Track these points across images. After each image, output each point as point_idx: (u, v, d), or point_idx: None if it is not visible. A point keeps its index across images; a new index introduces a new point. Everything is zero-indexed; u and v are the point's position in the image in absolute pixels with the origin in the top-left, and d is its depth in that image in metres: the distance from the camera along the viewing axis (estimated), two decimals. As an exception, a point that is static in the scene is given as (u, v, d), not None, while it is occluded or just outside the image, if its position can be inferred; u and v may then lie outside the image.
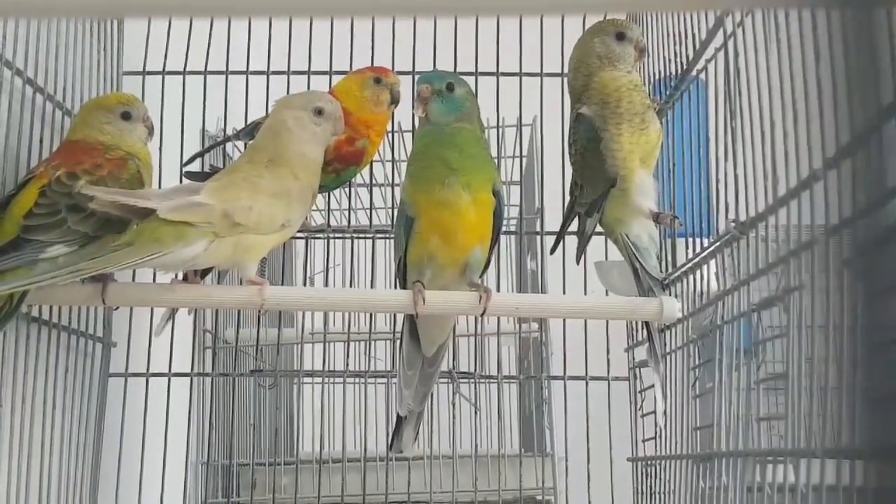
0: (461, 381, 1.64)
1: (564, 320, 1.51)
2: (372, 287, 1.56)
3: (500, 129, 1.65)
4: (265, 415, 1.96)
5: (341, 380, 1.70)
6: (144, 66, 1.49)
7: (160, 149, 1.42)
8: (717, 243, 1.17)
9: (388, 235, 1.57)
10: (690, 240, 1.31)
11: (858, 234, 0.71)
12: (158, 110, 1.44)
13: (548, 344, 1.72)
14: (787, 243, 0.97)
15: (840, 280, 0.80)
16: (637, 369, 1.56)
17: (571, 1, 0.69)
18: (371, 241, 1.58)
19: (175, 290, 1.19)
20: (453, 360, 1.60)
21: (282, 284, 1.72)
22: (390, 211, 1.68)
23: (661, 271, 1.32)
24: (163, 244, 1.10)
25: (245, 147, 1.36)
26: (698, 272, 1.27)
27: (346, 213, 1.70)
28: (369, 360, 1.75)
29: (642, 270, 1.29)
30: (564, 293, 1.50)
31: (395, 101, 1.37)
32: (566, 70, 1.40)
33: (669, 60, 1.41)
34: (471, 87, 1.30)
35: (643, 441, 1.53)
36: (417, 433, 1.35)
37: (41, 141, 1.26)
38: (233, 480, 1.75)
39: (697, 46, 1.29)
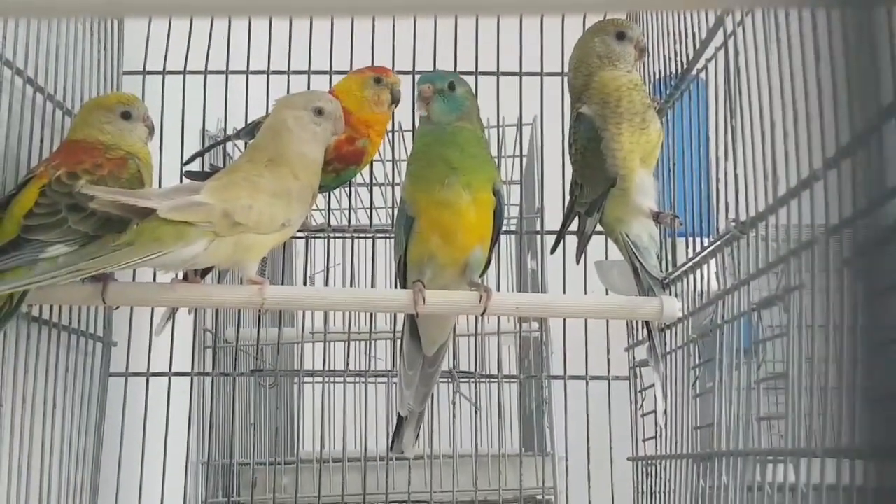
0: (461, 380, 1.64)
1: (564, 320, 1.51)
2: (372, 287, 1.56)
3: (501, 129, 1.65)
4: (265, 414, 1.96)
5: (341, 379, 1.70)
6: (145, 65, 1.49)
7: (160, 148, 1.42)
8: (718, 243, 1.17)
9: (388, 235, 1.57)
10: (690, 239, 1.31)
11: (858, 234, 0.71)
12: (159, 110, 1.44)
13: (548, 343, 1.72)
14: (787, 243, 0.97)
15: (840, 280, 0.80)
16: (637, 369, 1.56)
17: (571, 1, 0.69)
18: (371, 240, 1.58)
19: (175, 289, 1.19)
20: (453, 359, 1.60)
21: (282, 284, 1.72)
22: (390, 210, 1.68)
23: (661, 271, 1.32)
24: (163, 244, 1.10)
25: (245, 146, 1.36)
26: (698, 272, 1.27)
27: (347, 212, 1.70)
28: (370, 360, 1.75)
29: (642, 270, 1.29)
30: (564, 293, 1.50)
31: (395, 100, 1.37)
32: (566, 70, 1.40)
33: (669, 60, 1.41)
34: (470, 87, 1.30)
35: (643, 441, 1.53)
36: (418, 434, 1.35)
37: (41, 141, 1.26)
38: (233, 480, 1.75)
39: (698, 46, 1.29)
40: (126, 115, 1.25)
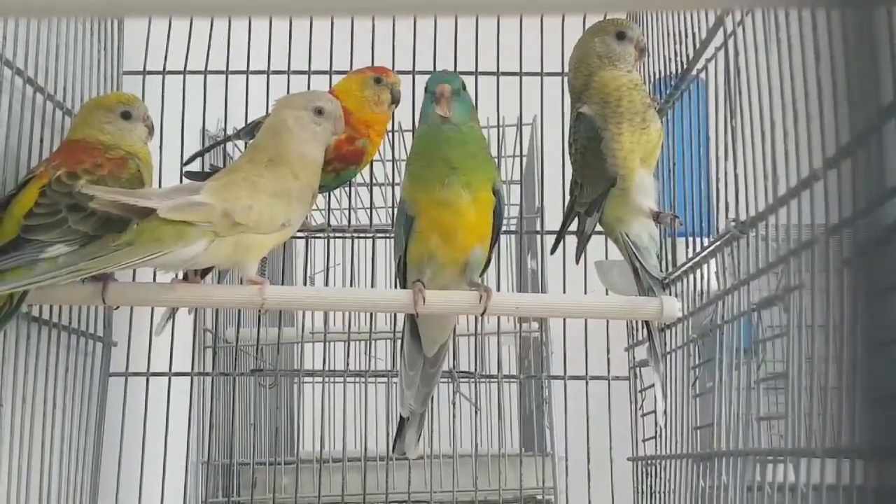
0: (461, 380, 1.64)
1: (564, 320, 1.51)
2: (372, 287, 1.56)
3: (501, 129, 1.65)
4: (265, 414, 1.96)
5: (342, 379, 1.70)
6: (145, 65, 1.49)
7: (160, 148, 1.42)
8: (718, 243, 1.17)
9: (388, 235, 1.57)
10: (690, 239, 1.31)
11: (858, 234, 0.71)
12: (159, 110, 1.44)
13: (548, 343, 1.72)
14: (787, 243, 0.97)
15: (840, 280, 0.80)
16: (637, 369, 1.56)
17: (571, 1, 0.69)
18: (371, 240, 1.58)
19: (175, 289, 1.19)
20: (453, 359, 1.60)
21: (282, 284, 1.72)
22: (390, 210, 1.68)
23: (661, 271, 1.32)
24: (163, 244, 1.10)
25: (245, 146, 1.36)
26: (698, 271, 1.27)
27: (347, 212, 1.70)
28: (369, 360, 1.75)
29: (642, 270, 1.29)
30: (564, 293, 1.50)
31: (395, 100, 1.37)
32: (566, 69, 1.40)
33: (669, 60, 1.41)
34: None
35: (643, 440, 1.53)
36: (420, 435, 1.35)
37: (41, 141, 1.26)
38: (233, 480, 1.75)
39: (697, 46, 1.29)
40: (126, 115, 1.25)
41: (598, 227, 1.35)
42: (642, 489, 1.54)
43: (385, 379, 1.79)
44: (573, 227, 1.40)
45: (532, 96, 1.54)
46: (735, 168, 1.11)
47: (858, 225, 0.71)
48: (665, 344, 1.35)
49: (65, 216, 1.12)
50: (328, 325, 1.64)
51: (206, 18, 1.49)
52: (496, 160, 1.53)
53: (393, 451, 1.36)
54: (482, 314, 1.25)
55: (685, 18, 1.33)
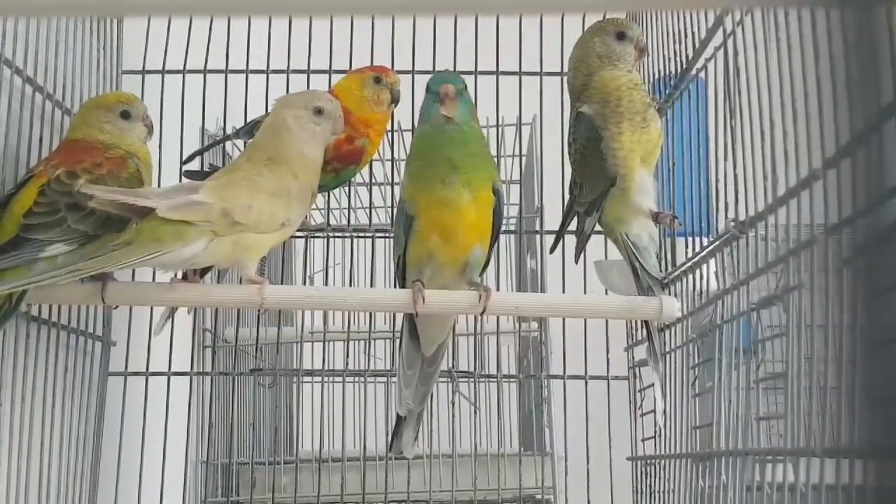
0: (461, 380, 1.64)
1: (564, 319, 1.51)
2: (372, 286, 1.56)
3: (500, 129, 1.65)
4: (265, 414, 1.96)
5: (341, 379, 1.70)
6: (144, 64, 1.49)
7: (160, 147, 1.42)
8: (717, 242, 1.17)
9: (387, 234, 1.57)
10: (690, 239, 1.31)
11: (858, 234, 0.71)
12: (158, 109, 1.44)
13: (547, 343, 1.72)
14: (787, 242, 0.97)
15: (840, 279, 0.80)
16: (636, 368, 1.56)
17: (571, 1, 0.69)
18: (371, 240, 1.58)
19: (175, 288, 1.19)
20: (453, 359, 1.60)
21: (281, 283, 1.72)
22: (390, 210, 1.68)
23: (660, 270, 1.32)
24: (162, 243, 1.10)
25: (244, 146, 1.36)
26: (698, 271, 1.27)
27: (346, 212, 1.70)
28: (369, 360, 1.75)
29: (642, 270, 1.29)
30: (564, 292, 1.50)
31: (395, 100, 1.37)
32: (566, 69, 1.40)
33: (669, 59, 1.41)
34: None
35: (643, 440, 1.53)
36: (417, 434, 1.35)
37: (41, 140, 1.26)
38: (232, 479, 1.75)
39: (697, 45, 1.29)
40: (125, 115, 1.25)
41: (598, 227, 1.35)
42: (641, 489, 1.55)
43: (384, 378, 1.79)
44: (572, 226, 1.40)
45: (531, 96, 1.54)
46: (734, 168, 1.11)
47: (858, 225, 0.71)
48: (664, 344, 1.35)
49: (64, 215, 1.12)
50: (327, 325, 1.64)
51: (206, 18, 1.49)
52: (496, 160, 1.52)
53: (390, 450, 1.36)
54: (482, 314, 1.25)
55: (685, 18, 1.33)
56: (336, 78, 1.45)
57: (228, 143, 1.60)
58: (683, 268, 1.30)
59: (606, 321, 1.48)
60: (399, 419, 1.34)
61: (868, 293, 0.68)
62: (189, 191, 1.15)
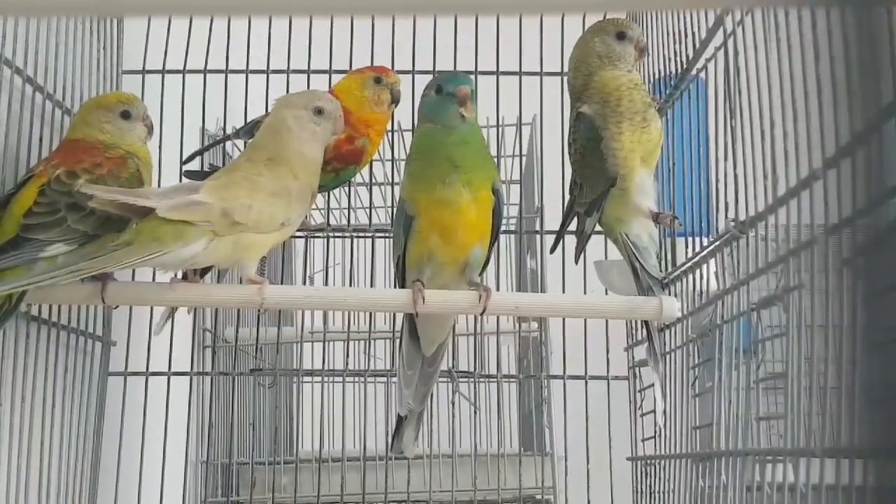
0: (461, 380, 1.64)
1: (564, 319, 1.51)
2: (371, 286, 1.56)
3: (500, 129, 1.65)
4: (265, 414, 1.96)
5: (341, 379, 1.70)
6: (144, 64, 1.49)
7: (160, 147, 1.42)
8: (717, 242, 1.17)
9: (387, 234, 1.57)
10: (690, 239, 1.31)
11: (858, 234, 0.71)
12: (158, 109, 1.44)
13: (547, 343, 1.72)
14: (787, 243, 0.97)
15: (840, 279, 0.80)
16: (636, 368, 1.56)
17: (571, 1, 0.69)
18: (371, 240, 1.58)
19: (175, 288, 1.19)
20: (453, 359, 1.60)
21: (281, 283, 1.72)
22: (390, 210, 1.68)
23: (660, 270, 1.32)
24: (162, 243, 1.10)
25: (244, 146, 1.36)
26: (698, 271, 1.27)
27: (346, 212, 1.70)
28: (369, 359, 1.75)
29: (642, 270, 1.29)
30: (564, 292, 1.50)
31: (395, 100, 1.37)
32: (566, 69, 1.40)
33: (669, 59, 1.41)
34: None
35: (643, 440, 1.53)
36: (418, 434, 1.35)
37: (41, 140, 1.26)
38: (232, 479, 1.75)
39: (697, 45, 1.29)
40: (125, 115, 1.25)
41: (598, 227, 1.35)
42: (641, 489, 1.55)
43: (384, 378, 1.79)
44: (573, 226, 1.40)
45: (531, 96, 1.54)
46: (734, 168, 1.11)
47: (858, 225, 0.71)
48: (664, 344, 1.35)
49: (64, 215, 1.12)
50: (327, 325, 1.64)
51: (206, 18, 1.49)
52: (496, 160, 1.52)
53: (390, 449, 1.36)
54: (482, 314, 1.25)
55: (685, 18, 1.33)
56: (336, 78, 1.45)
57: (228, 143, 1.60)
58: (683, 268, 1.30)
59: (606, 321, 1.48)
60: (399, 419, 1.34)
61: (868, 293, 0.68)
62: (189, 191, 1.15)
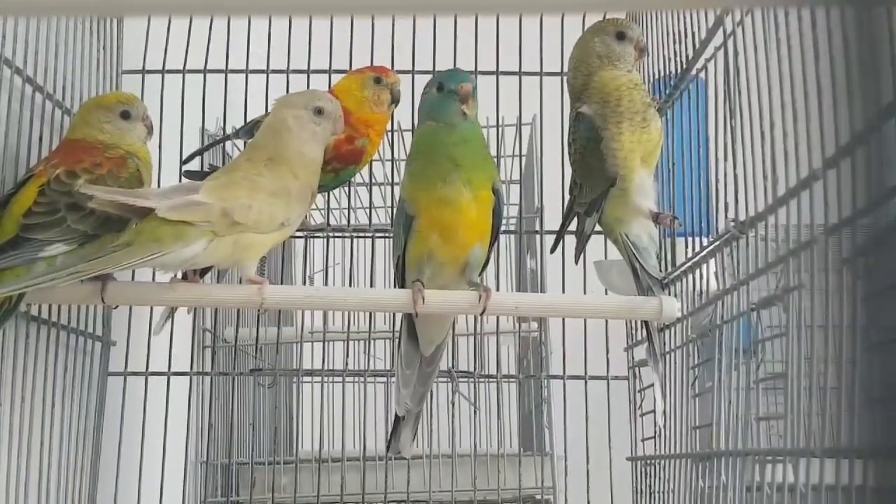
0: (460, 380, 1.64)
1: (564, 319, 1.51)
2: (371, 286, 1.56)
3: (500, 129, 1.65)
4: (264, 414, 1.96)
5: (341, 379, 1.70)
6: (144, 64, 1.49)
7: (159, 147, 1.42)
8: (717, 243, 1.17)
9: (387, 234, 1.57)
10: (690, 239, 1.31)
11: (858, 234, 0.71)
12: (158, 109, 1.44)
13: (547, 343, 1.72)
14: (787, 243, 0.97)
15: (839, 279, 0.80)
16: (636, 369, 1.56)
17: (571, 1, 0.69)
18: (370, 240, 1.58)
19: (174, 288, 1.19)
20: (452, 359, 1.60)
21: (281, 283, 1.72)
22: (390, 210, 1.68)
23: (660, 271, 1.32)
24: (162, 244, 1.09)
25: (244, 146, 1.36)
26: (698, 271, 1.27)
27: (346, 212, 1.70)
28: (369, 360, 1.75)
29: (642, 270, 1.29)
30: (564, 292, 1.50)
31: (395, 100, 1.37)
32: (566, 69, 1.40)
33: (669, 59, 1.41)
34: None
35: (642, 440, 1.53)
36: (415, 434, 1.35)
37: (41, 140, 1.26)
38: (232, 479, 1.75)
39: (697, 45, 1.29)
40: (125, 115, 1.25)
41: (598, 227, 1.35)
42: (641, 489, 1.54)
43: (384, 378, 1.79)
44: (572, 227, 1.40)
45: (531, 96, 1.54)
46: (734, 168, 1.11)
47: (858, 225, 0.71)
48: (664, 344, 1.35)
49: (64, 215, 1.12)
50: (327, 325, 1.64)
51: (206, 18, 1.49)
52: (496, 160, 1.52)
53: (388, 451, 1.36)
54: (481, 314, 1.25)
55: (685, 18, 1.33)
56: (336, 78, 1.45)
57: (228, 143, 1.60)
58: (683, 268, 1.30)
59: (606, 321, 1.48)
60: (397, 419, 1.34)
61: (868, 293, 0.68)
62: (189, 191, 1.15)
